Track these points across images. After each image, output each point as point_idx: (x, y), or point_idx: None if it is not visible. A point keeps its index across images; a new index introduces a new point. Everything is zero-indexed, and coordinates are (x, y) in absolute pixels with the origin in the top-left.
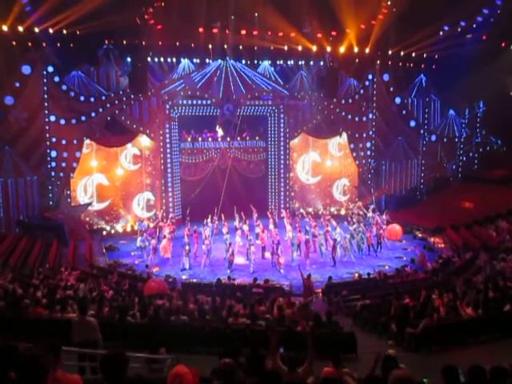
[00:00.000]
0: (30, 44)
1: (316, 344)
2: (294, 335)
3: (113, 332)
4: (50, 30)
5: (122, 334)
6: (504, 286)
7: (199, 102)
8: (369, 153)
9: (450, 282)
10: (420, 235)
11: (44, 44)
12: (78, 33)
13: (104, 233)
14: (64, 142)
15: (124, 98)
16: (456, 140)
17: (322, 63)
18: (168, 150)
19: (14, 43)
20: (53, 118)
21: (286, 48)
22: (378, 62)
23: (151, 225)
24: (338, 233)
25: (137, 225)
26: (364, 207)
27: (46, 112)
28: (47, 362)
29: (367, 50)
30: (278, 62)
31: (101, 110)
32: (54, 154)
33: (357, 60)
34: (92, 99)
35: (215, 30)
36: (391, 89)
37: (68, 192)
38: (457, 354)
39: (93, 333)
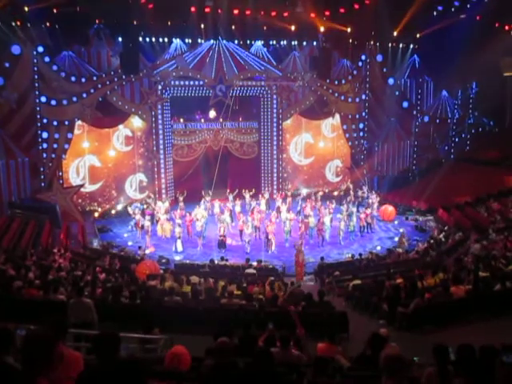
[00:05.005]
0: (19, 23)
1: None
2: (286, 315)
3: (106, 312)
4: (40, 9)
5: (115, 314)
6: (494, 266)
7: (191, 82)
8: (361, 134)
9: (442, 262)
10: (412, 216)
11: (34, 23)
12: (68, 12)
13: (96, 214)
14: (55, 123)
15: (115, 79)
16: (449, 121)
17: (315, 43)
18: (160, 131)
19: (2, 23)
20: (43, 99)
21: (278, 28)
22: (372, 42)
23: (145, 206)
24: (330, 214)
25: (130, 206)
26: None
27: (37, 93)
28: (54, 341)
29: (361, 31)
30: (270, 43)
31: (92, 90)
32: (45, 135)
33: (350, 40)
34: (83, 80)
35: (207, 10)
36: (384, 70)
37: (60, 173)
38: (448, 333)
39: (89, 313)
